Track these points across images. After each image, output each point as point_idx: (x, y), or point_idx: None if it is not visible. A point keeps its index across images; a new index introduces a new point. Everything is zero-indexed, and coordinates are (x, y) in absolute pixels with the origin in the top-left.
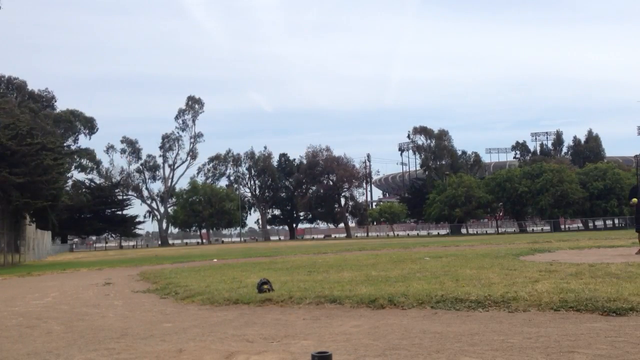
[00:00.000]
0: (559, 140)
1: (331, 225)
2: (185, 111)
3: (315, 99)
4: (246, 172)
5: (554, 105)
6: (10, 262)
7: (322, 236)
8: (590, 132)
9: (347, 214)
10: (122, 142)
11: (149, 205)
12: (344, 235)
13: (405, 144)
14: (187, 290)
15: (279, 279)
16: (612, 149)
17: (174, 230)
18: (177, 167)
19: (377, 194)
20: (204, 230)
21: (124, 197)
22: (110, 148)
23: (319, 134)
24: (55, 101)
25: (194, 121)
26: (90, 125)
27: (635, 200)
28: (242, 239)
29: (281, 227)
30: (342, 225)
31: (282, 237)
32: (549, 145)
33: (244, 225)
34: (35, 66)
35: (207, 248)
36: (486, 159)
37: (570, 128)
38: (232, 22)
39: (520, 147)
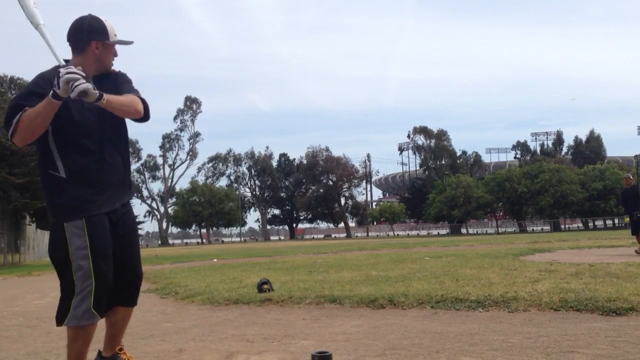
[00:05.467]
0: (559, 140)
1: (331, 225)
2: (184, 111)
3: (315, 99)
4: (246, 172)
5: (554, 105)
6: (10, 262)
7: (322, 236)
8: (592, 132)
9: (347, 214)
10: None
11: (149, 205)
12: (344, 235)
13: (405, 144)
14: (187, 290)
15: (279, 279)
16: (613, 149)
17: (174, 230)
18: (177, 167)
19: (377, 194)
20: (204, 230)
21: None
22: None
23: (319, 134)
24: None
25: (192, 121)
26: None
27: (627, 219)
28: (242, 239)
29: (281, 227)
30: (342, 225)
31: (282, 237)
32: (550, 145)
33: (243, 225)
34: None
35: (207, 248)
36: (486, 159)
37: (570, 128)
38: (231, 23)
39: (521, 147)
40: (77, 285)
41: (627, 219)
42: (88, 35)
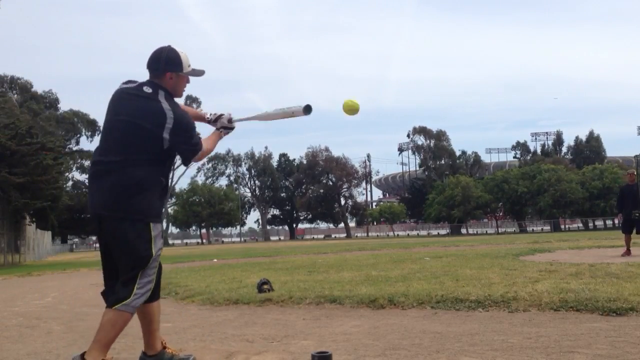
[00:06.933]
0: (559, 140)
1: (331, 225)
2: None
3: (315, 100)
4: (246, 172)
5: (554, 105)
6: (10, 262)
7: (322, 236)
8: (591, 133)
9: (347, 214)
10: None
11: None
12: (344, 235)
13: (405, 144)
14: (187, 290)
15: (279, 279)
16: (612, 149)
17: (174, 230)
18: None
19: (377, 194)
20: (203, 230)
21: None
22: None
23: (319, 134)
24: (59, 103)
25: None
26: (92, 128)
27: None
28: (242, 239)
29: (281, 227)
30: (342, 225)
31: (282, 237)
32: (549, 145)
33: (243, 225)
34: (39, 67)
35: (207, 248)
36: (486, 159)
37: (570, 128)
38: (230, 23)
39: (520, 147)
40: (152, 278)
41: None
42: (165, 66)
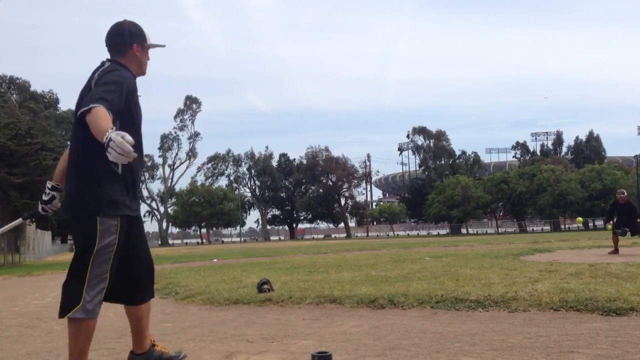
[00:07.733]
0: (559, 140)
1: (331, 225)
2: (184, 111)
3: (315, 100)
4: (246, 172)
5: (554, 105)
6: (10, 262)
7: (322, 236)
8: (591, 133)
9: (347, 214)
10: None
11: (149, 205)
12: (344, 235)
13: (404, 144)
14: (187, 290)
15: (279, 279)
16: (612, 149)
17: (174, 230)
18: (177, 167)
19: (377, 194)
20: (203, 230)
21: None
22: None
23: (319, 134)
24: (59, 103)
25: (192, 121)
26: None
27: (610, 226)
28: (242, 239)
29: (281, 227)
30: (342, 225)
31: (282, 237)
32: (549, 145)
33: (243, 225)
34: (38, 67)
35: (207, 248)
36: (486, 159)
37: (570, 128)
38: (231, 23)
39: (520, 147)
40: (105, 276)
41: (609, 227)
42: (130, 38)
